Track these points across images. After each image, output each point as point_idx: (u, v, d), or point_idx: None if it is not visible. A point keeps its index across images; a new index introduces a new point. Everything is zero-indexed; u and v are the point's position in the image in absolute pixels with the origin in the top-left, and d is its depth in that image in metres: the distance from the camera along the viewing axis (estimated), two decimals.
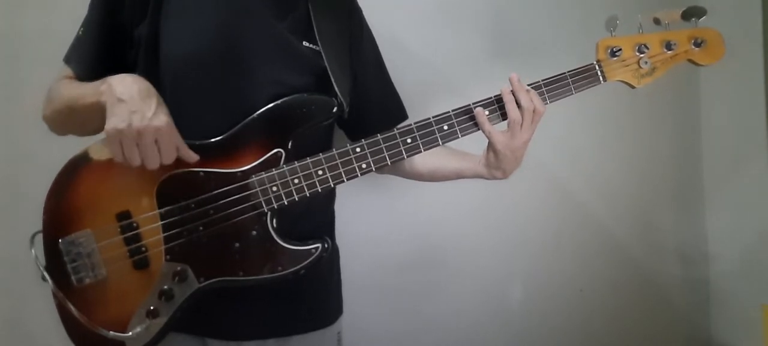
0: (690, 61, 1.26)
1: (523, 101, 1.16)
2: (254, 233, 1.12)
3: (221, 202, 1.10)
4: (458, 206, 1.79)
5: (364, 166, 1.16)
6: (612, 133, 1.97)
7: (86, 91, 1.07)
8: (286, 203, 1.13)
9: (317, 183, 1.14)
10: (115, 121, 1.00)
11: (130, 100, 1.01)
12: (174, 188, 1.09)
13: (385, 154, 1.16)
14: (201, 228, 1.10)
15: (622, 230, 2.01)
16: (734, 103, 1.98)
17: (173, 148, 1.05)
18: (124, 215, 1.08)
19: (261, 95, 1.14)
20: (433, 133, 1.18)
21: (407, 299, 1.79)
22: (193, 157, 1.08)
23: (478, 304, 1.86)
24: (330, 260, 1.30)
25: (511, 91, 1.18)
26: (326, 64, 1.21)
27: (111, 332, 1.06)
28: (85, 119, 1.10)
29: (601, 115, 1.92)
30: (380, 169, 1.18)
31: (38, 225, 1.09)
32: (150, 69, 1.14)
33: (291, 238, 1.15)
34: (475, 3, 1.80)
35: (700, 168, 2.10)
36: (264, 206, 1.12)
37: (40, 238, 1.09)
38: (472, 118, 1.19)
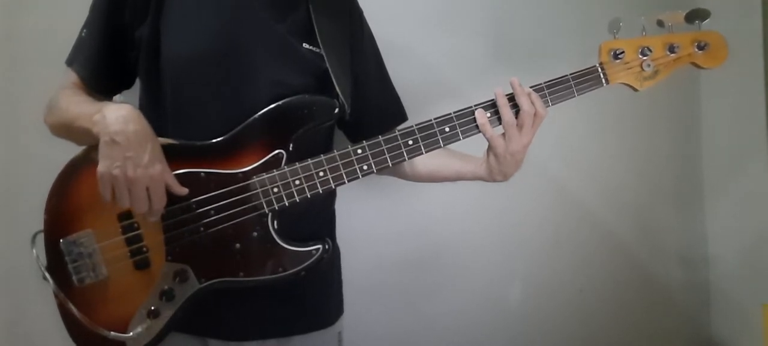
0: (693, 64, 1.25)
1: (524, 105, 1.16)
2: (255, 233, 1.12)
3: (222, 202, 1.10)
4: (458, 206, 1.79)
5: (365, 167, 1.16)
6: (612, 133, 1.97)
7: (82, 113, 1.06)
8: (286, 203, 1.13)
9: (318, 184, 1.14)
10: (108, 165, 1.00)
11: (126, 143, 1.00)
12: None
13: (387, 155, 1.16)
14: (202, 229, 1.10)
15: (622, 230, 2.01)
16: (734, 103, 1.98)
17: (164, 196, 1.05)
18: (125, 215, 1.08)
19: (261, 96, 1.14)
20: (435, 134, 1.18)
21: (407, 299, 1.79)
22: (183, 191, 1.08)
23: (478, 304, 1.86)
24: (331, 261, 1.29)
25: (509, 94, 1.18)
26: (328, 65, 1.21)
27: (112, 332, 1.07)
28: (81, 139, 1.09)
29: (601, 115, 1.92)
30: (381, 171, 1.17)
31: (38, 225, 1.09)
32: (151, 70, 1.15)
33: (292, 239, 1.15)
34: (477, 4, 1.79)
35: (700, 168, 2.10)
36: (265, 206, 1.12)
37: (41, 238, 1.09)
38: (474, 120, 1.18)
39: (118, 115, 1.01)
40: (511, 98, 1.18)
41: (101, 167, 1.00)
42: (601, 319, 1.99)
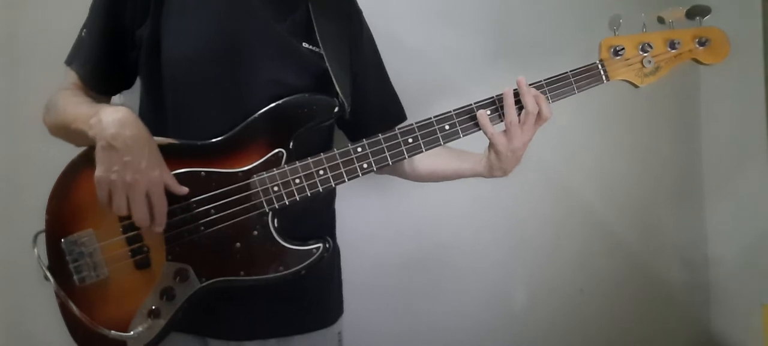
0: (694, 60, 1.25)
1: (529, 105, 1.15)
2: (255, 233, 1.12)
3: (223, 202, 1.10)
4: (459, 205, 1.79)
5: (365, 166, 1.16)
6: (612, 133, 1.97)
7: (78, 116, 1.05)
8: (287, 202, 1.13)
9: (318, 183, 1.14)
10: (105, 169, 0.99)
11: (123, 147, 0.98)
12: None
13: (387, 154, 1.16)
14: (202, 228, 1.10)
15: (622, 229, 2.00)
16: (734, 103, 1.98)
17: (164, 199, 1.04)
18: (125, 215, 1.08)
19: (261, 95, 1.14)
20: (435, 132, 1.17)
21: (408, 299, 1.79)
22: (182, 191, 1.07)
23: (478, 303, 1.86)
24: (331, 260, 1.30)
25: (515, 93, 1.17)
26: (327, 65, 1.21)
27: (112, 332, 1.06)
28: (78, 141, 1.09)
29: (601, 115, 1.92)
30: (381, 169, 1.17)
31: (39, 225, 1.09)
32: (151, 70, 1.15)
33: (292, 238, 1.14)
34: (477, 2, 1.79)
35: (700, 168, 2.09)
36: (265, 205, 1.12)
37: (42, 237, 1.09)
38: (474, 117, 1.18)
39: (114, 119, 1.00)
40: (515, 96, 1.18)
41: (98, 172, 0.99)
42: (601, 319, 1.98)
